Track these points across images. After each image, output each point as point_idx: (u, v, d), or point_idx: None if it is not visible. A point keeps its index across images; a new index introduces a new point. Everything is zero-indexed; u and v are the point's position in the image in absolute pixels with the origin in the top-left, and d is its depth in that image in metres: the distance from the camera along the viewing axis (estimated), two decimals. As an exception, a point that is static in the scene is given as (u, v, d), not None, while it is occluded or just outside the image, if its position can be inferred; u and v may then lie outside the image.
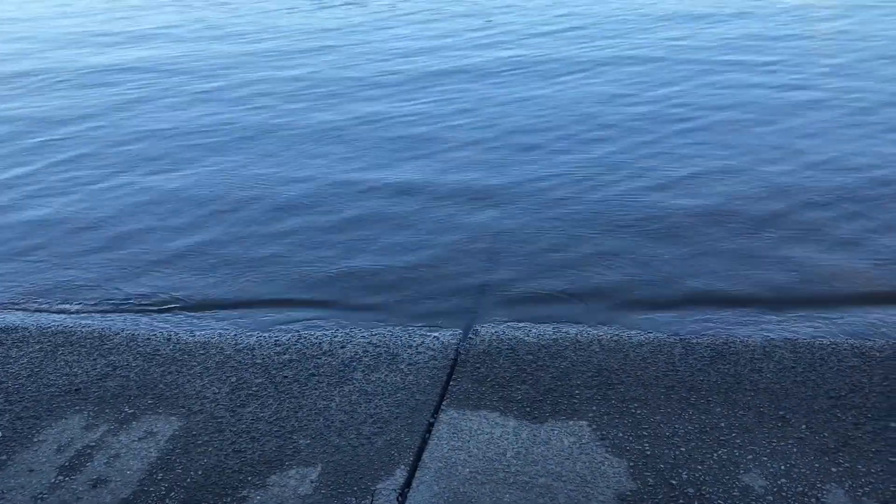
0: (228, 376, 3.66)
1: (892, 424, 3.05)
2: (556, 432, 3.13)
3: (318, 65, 9.77)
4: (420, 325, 4.11)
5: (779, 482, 2.80)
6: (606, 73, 8.68)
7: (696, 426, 3.11)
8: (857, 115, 6.94)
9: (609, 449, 3.02)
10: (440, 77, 8.85)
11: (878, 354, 3.52)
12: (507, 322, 4.07)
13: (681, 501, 2.74)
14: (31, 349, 3.99)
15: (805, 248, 4.73)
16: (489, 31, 11.21)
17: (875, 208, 5.17)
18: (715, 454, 2.96)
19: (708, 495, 2.76)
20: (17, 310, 4.54)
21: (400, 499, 2.84)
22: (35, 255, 5.24)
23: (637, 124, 7.01)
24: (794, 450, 2.95)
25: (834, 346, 3.62)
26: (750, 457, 2.93)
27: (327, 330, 4.09)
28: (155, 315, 4.43)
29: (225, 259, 5.04)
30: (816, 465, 2.87)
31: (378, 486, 2.90)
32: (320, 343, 3.92)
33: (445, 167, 6.30)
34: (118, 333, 4.13)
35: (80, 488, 2.97)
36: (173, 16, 13.89)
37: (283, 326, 4.21)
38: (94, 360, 3.87)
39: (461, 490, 2.85)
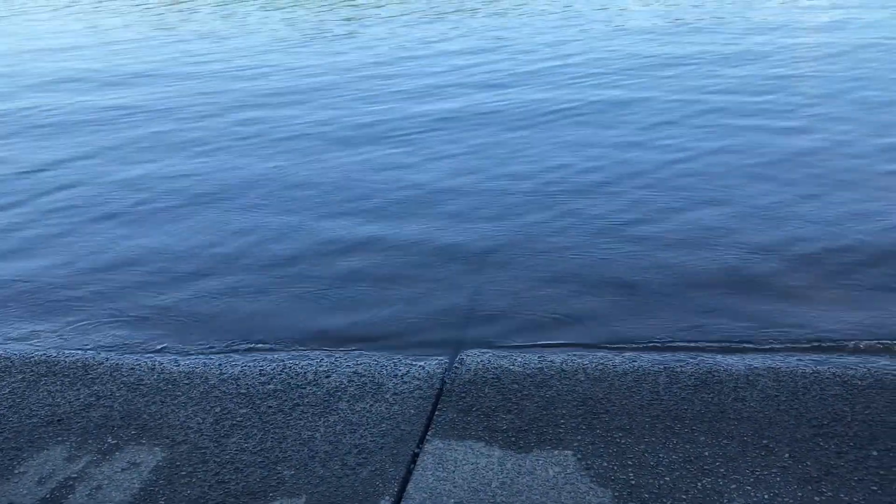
0: (213, 406, 3.64)
1: (874, 453, 3.07)
2: (541, 462, 3.13)
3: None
4: (405, 354, 4.11)
5: (763, 511, 2.81)
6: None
7: (681, 455, 3.12)
8: None
9: (594, 479, 3.02)
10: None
11: (859, 383, 3.54)
12: (492, 351, 4.08)
13: (665, 531, 2.74)
14: (13, 379, 3.96)
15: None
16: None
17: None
18: (699, 483, 2.97)
19: (692, 525, 2.76)
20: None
21: (384, 530, 2.82)
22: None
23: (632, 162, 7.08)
24: (778, 479, 2.97)
25: (816, 374, 3.65)
26: (734, 486, 2.94)
27: (312, 360, 4.07)
28: (139, 342, 4.42)
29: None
30: (800, 493, 2.88)
31: (363, 518, 2.88)
32: (305, 373, 3.91)
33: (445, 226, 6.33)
34: (102, 363, 4.11)
35: (62, 521, 2.94)
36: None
37: (267, 356, 4.20)
38: (78, 389, 3.84)
39: (446, 521, 2.84)
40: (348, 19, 15.86)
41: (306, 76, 10.88)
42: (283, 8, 17.86)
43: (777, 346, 4.04)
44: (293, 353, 4.21)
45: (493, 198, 6.24)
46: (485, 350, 4.09)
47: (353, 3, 18.10)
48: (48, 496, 3.07)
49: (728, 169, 6.57)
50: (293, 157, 7.45)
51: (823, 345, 4.03)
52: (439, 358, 4.00)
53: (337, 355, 4.12)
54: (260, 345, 4.35)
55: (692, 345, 4.10)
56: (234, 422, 3.50)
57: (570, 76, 9.99)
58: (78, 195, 6.78)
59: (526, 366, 3.84)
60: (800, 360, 3.86)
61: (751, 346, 4.06)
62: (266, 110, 9.20)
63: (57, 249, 5.72)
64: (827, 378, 3.60)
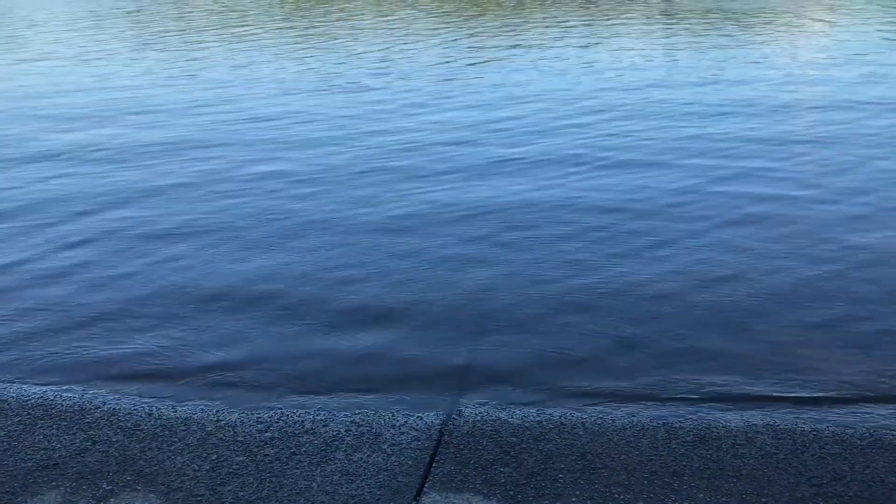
0: (209, 453, 3.62)
1: (874, 514, 3.06)
2: (538, 517, 3.11)
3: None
4: (403, 404, 4.10)
5: (762, 572, 2.79)
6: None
7: (680, 513, 3.11)
8: None
9: (592, 535, 3.00)
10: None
11: (859, 443, 3.54)
12: (491, 402, 4.07)
13: (664, 590, 2.71)
14: (9, 422, 3.95)
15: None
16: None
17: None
18: (698, 542, 2.94)
19: (691, 584, 2.73)
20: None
21: (380, 584, 2.79)
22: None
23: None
24: (777, 538, 2.95)
25: (815, 432, 3.64)
26: (733, 545, 2.92)
27: (309, 408, 4.07)
28: (138, 386, 4.40)
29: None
30: (799, 554, 2.86)
31: (358, 570, 2.85)
32: (302, 421, 3.90)
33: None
34: (99, 407, 4.10)
35: (54, 568, 2.91)
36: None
37: (265, 403, 4.19)
38: (74, 434, 3.83)
39: (442, 575, 2.81)
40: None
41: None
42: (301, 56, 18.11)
43: (776, 402, 4.04)
44: (291, 400, 4.21)
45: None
46: (483, 402, 4.09)
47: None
48: (41, 542, 3.04)
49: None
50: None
51: (823, 400, 4.03)
52: (437, 409, 3.99)
53: (335, 404, 4.12)
54: (257, 391, 4.34)
55: (691, 398, 4.10)
56: (231, 469, 3.49)
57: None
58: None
59: (524, 419, 3.84)
60: (798, 416, 3.86)
61: (750, 401, 4.06)
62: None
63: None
64: (826, 436, 3.60)
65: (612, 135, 9.69)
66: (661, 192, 7.50)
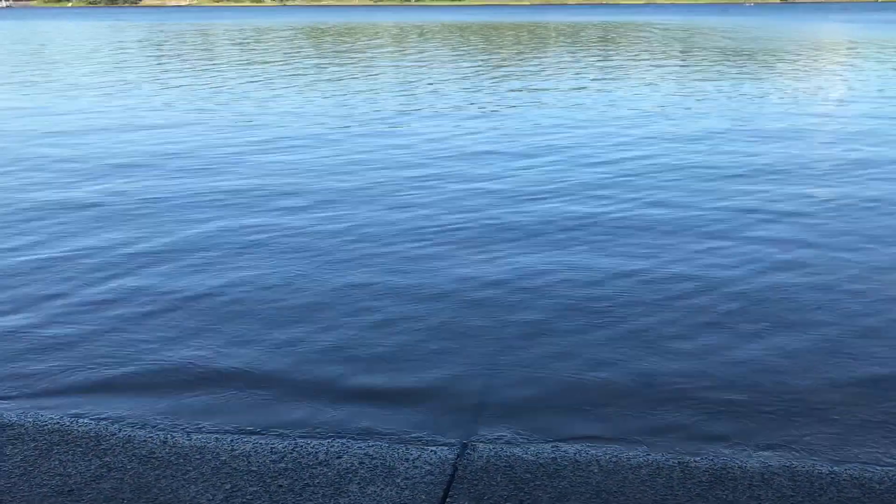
0: (223, 483, 3.62)
1: (893, 560, 3.01)
2: (552, 555, 3.08)
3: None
4: (417, 437, 4.09)
5: None
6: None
7: (695, 554, 3.07)
8: None
9: (606, 574, 2.96)
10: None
11: (878, 487, 3.49)
12: (505, 438, 4.05)
13: None
14: (26, 447, 3.96)
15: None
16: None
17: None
18: (713, 584, 2.90)
19: None
20: (13, 400, 4.51)
21: None
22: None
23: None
24: (794, 583, 2.90)
25: (833, 475, 3.60)
26: (749, 589, 2.88)
27: (323, 439, 4.06)
28: (151, 417, 4.41)
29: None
30: None
31: None
32: (316, 452, 3.89)
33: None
34: (115, 434, 4.11)
35: None
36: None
37: (279, 431, 4.19)
38: (89, 460, 3.83)
39: None
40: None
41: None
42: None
43: (792, 443, 4.00)
44: (305, 431, 4.20)
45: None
46: (497, 437, 4.07)
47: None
48: (53, 569, 3.04)
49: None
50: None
51: (841, 442, 3.99)
52: (451, 443, 3.97)
53: (348, 436, 4.11)
54: (272, 420, 4.34)
55: (707, 437, 4.07)
56: (245, 499, 3.48)
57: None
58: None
59: (539, 455, 3.81)
60: (815, 459, 3.81)
61: (766, 442, 4.02)
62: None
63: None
64: (844, 479, 3.55)
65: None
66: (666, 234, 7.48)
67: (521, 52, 32.85)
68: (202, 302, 6.02)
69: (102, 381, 4.84)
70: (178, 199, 9.02)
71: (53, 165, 10.97)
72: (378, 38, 42.96)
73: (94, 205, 8.82)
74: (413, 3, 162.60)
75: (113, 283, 6.41)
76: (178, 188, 9.55)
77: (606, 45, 32.93)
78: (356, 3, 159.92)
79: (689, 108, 15.23)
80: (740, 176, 9.95)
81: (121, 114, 15.87)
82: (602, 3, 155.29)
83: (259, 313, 5.80)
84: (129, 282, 6.44)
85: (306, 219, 8.14)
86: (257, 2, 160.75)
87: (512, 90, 19.52)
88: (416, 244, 7.28)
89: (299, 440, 4.04)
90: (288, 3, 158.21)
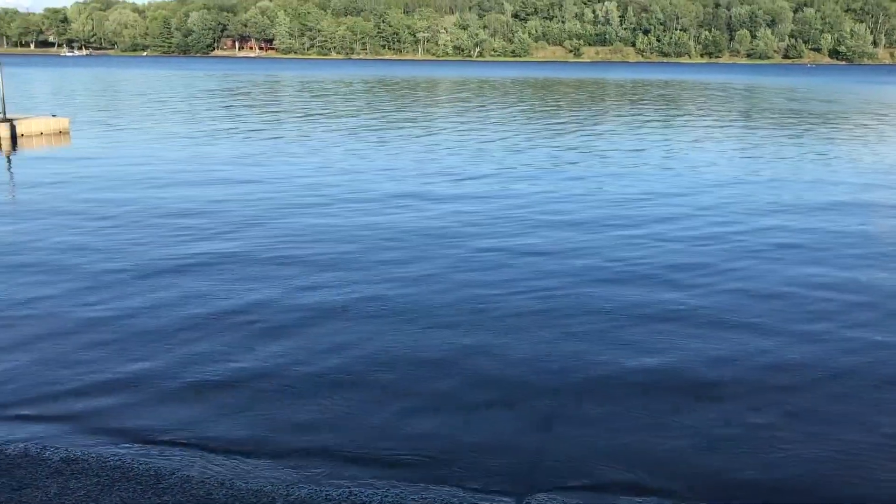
0: (278, 528, 3.64)
1: None
2: None
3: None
4: (473, 491, 4.06)
5: None
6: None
7: None
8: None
9: None
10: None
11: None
12: (561, 496, 4.00)
13: None
14: (89, 482, 4.05)
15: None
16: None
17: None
18: None
19: None
20: (80, 436, 4.62)
21: None
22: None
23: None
24: None
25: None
26: None
27: (378, 488, 4.06)
28: (210, 457, 4.46)
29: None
30: None
31: None
32: (371, 501, 3.89)
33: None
34: (174, 473, 4.18)
35: None
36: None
37: (334, 481, 4.20)
38: (149, 498, 3.90)
39: None
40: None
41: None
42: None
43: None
44: (360, 479, 4.21)
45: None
46: (553, 496, 4.02)
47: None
48: None
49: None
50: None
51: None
52: (507, 499, 3.94)
53: (403, 486, 4.10)
54: (327, 467, 4.36)
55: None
56: (298, 546, 3.49)
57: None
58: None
59: (594, 515, 3.75)
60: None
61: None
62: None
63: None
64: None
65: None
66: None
67: (594, 107, 33.03)
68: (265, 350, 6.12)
69: (168, 420, 4.92)
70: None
71: (225, 216, 11.19)
72: (463, 92, 43.60)
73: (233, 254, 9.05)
74: (474, 58, 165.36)
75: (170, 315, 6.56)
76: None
77: (687, 106, 32.86)
78: (419, 57, 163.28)
79: (818, 179, 14.58)
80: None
81: (237, 164, 16.25)
82: (665, 62, 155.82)
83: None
84: (195, 309, 6.58)
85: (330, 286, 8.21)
86: (323, 55, 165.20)
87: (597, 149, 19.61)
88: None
89: (354, 488, 4.05)
90: (353, 57, 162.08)
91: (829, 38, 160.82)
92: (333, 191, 12.56)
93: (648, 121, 27.01)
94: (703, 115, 30.07)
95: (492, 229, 9.97)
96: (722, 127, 25.44)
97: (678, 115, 29.95)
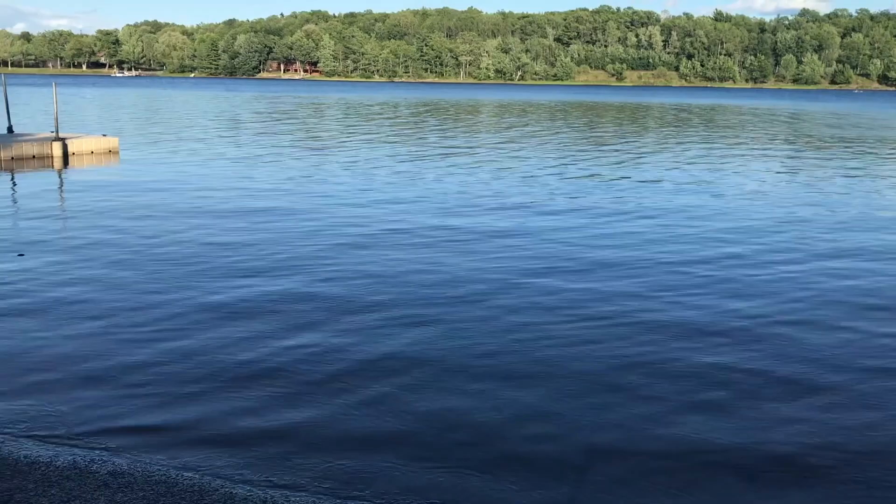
0: (320, 548, 3.64)
1: None
2: None
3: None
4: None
5: None
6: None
7: None
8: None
9: None
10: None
11: None
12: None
13: None
14: (134, 496, 4.09)
15: None
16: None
17: None
18: None
19: None
20: (126, 454, 4.68)
21: None
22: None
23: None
24: None
25: None
26: None
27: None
28: (253, 479, 4.47)
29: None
30: None
31: None
32: (413, 524, 3.87)
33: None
34: (217, 490, 4.21)
35: None
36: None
37: (380, 501, 4.19)
38: (192, 514, 3.93)
39: None
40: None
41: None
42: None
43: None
44: (406, 498, 4.20)
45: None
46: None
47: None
48: None
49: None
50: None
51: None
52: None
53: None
54: (375, 489, 4.36)
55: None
56: (340, 566, 3.48)
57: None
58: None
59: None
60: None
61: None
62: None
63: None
64: None
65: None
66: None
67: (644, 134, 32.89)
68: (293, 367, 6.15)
69: (213, 439, 4.94)
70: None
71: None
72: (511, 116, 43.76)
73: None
74: (516, 81, 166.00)
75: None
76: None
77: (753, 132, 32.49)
78: (461, 80, 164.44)
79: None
80: None
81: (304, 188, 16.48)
82: (708, 87, 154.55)
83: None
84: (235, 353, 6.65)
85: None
86: (366, 77, 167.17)
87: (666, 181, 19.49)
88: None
89: (397, 510, 4.03)
90: (395, 80, 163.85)
91: (879, 63, 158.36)
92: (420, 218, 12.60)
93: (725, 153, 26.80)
94: (784, 144, 29.71)
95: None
96: (823, 158, 25.10)
97: (747, 143, 29.63)
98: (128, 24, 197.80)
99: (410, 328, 6.92)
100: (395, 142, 26.33)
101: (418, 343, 6.57)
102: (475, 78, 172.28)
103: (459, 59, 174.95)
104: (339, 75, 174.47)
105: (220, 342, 6.53)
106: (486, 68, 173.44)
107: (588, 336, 6.77)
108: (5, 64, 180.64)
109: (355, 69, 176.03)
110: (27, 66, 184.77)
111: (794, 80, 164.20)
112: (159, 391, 5.59)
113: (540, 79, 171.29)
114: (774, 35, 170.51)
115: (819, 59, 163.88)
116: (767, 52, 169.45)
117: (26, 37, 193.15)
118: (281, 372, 5.94)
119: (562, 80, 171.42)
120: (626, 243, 10.57)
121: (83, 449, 4.70)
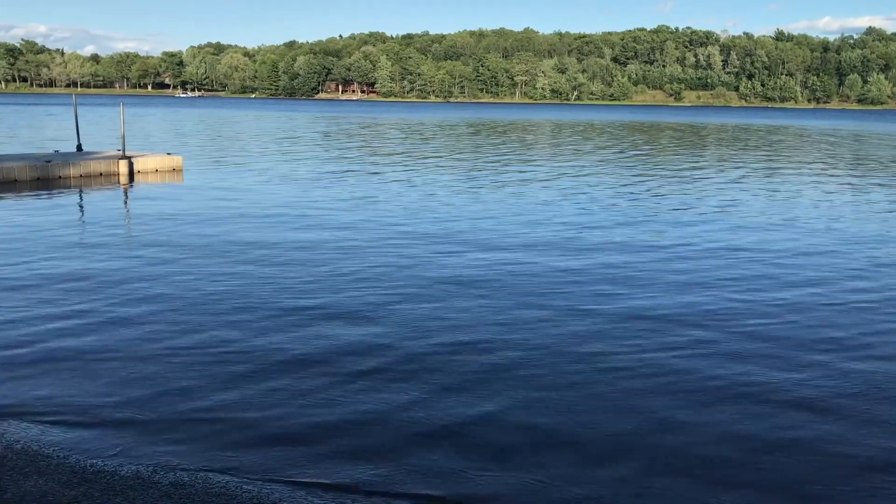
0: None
1: None
2: None
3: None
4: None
5: None
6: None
7: None
8: None
9: None
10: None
11: None
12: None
13: None
14: (196, 508, 4.15)
15: None
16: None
17: None
18: None
19: None
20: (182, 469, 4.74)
21: None
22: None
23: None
24: None
25: None
26: None
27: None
28: (312, 490, 4.49)
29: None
30: None
31: None
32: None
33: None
34: (277, 502, 4.24)
35: None
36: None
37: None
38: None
39: None
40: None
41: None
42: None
43: None
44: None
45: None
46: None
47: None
48: None
49: None
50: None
51: None
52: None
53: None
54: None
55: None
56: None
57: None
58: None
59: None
60: None
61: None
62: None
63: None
64: None
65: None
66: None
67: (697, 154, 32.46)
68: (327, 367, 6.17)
69: (272, 455, 4.97)
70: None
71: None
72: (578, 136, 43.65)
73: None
74: (572, 101, 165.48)
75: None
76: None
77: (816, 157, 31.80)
78: (516, 100, 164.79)
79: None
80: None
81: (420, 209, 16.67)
82: (769, 108, 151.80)
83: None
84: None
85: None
86: (422, 98, 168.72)
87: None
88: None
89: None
90: (451, 100, 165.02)
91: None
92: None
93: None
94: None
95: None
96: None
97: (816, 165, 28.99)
98: (191, 46, 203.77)
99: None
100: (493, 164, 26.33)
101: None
102: (531, 98, 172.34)
103: (515, 79, 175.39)
104: (395, 96, 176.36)
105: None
106: (542, 88, 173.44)
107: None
108: (76, 85, 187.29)
109: (412, 90, 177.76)
110: (96, 86, 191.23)
111: (859, 101, 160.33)
112: (227, 404, 5.66)
113: (596, 99, 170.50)
114: (839, 54, 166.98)
115: (886, 78, 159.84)
116: (831, 71, 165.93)
117: (95, 58, 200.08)
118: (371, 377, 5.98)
119: (618, 99, 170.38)
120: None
121: (147, 460, 4.77)
